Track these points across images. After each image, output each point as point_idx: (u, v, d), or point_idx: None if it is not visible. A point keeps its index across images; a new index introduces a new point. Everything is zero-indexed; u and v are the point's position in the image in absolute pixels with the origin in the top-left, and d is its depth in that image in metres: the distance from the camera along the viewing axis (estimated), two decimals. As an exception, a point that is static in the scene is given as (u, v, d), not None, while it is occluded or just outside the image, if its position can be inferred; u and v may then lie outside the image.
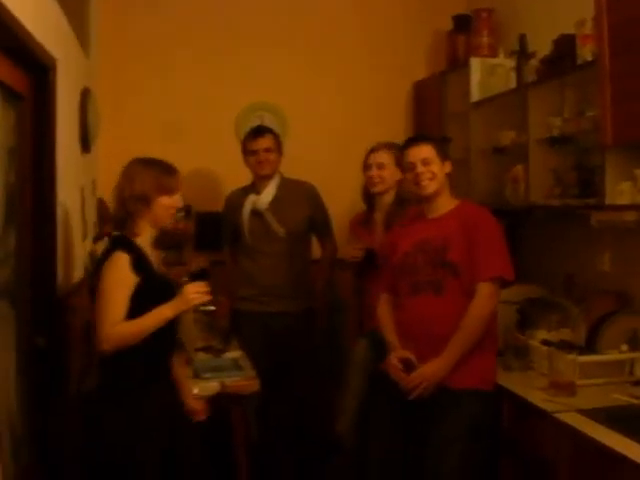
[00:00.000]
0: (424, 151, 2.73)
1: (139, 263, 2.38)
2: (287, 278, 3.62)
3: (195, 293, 2.40)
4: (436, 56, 4.57)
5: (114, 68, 4.28)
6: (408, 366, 2.66)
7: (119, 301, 2.33)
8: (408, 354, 2.67)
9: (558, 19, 3.40)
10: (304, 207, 3.69)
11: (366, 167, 3.33)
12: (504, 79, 3.67)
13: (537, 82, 3.31)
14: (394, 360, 2.70)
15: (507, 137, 3.58)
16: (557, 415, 2.44)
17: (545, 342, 2.95)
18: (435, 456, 2.57)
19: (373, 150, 3.35)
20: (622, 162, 2.77)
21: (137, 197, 2.40)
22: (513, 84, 3.56)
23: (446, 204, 2.77)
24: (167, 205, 2.45)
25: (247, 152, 3.70)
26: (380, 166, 3.28)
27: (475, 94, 3.87)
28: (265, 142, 3.67)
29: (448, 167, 2.76)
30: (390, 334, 2.78)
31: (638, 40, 2.50)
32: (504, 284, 2.69)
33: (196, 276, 2.51)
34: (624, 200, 2.74)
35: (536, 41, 3.50)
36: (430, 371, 2.60)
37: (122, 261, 2.34)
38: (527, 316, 3.20)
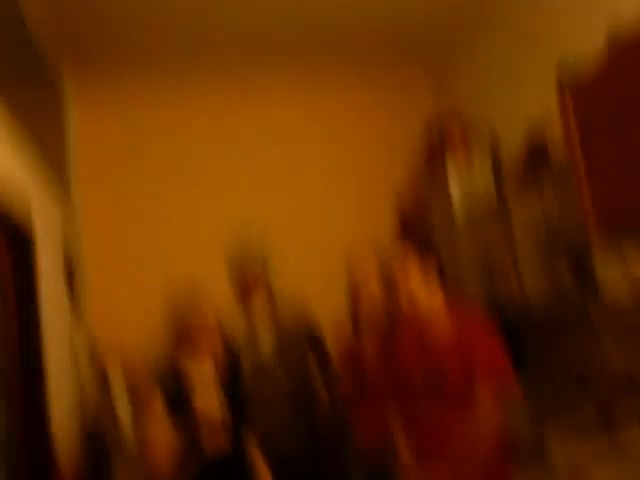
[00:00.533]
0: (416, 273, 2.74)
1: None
2: None
3: None
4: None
5: (96, 219, 4.34)
6: None
7: None
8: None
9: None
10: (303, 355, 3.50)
11: (349, 275, 3.16)
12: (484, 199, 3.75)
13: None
14: None
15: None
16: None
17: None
18: None
19: (358, 256, 3.18)
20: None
21: None
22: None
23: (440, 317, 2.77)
24: None
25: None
26: (367, 277, 3.14)
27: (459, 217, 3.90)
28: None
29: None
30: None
31: (608, 134, 2.57)
32: None
33: None
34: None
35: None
36: None
37: None
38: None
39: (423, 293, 2.66)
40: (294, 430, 3.29)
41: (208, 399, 2.52)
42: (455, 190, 3.94)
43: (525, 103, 3.69)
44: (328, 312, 3.62)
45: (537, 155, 3.21)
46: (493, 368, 2.52)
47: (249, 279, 3.42)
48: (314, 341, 3.47)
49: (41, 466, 2.56)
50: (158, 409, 2.38)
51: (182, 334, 2.58)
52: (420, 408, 2.63)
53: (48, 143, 3.36)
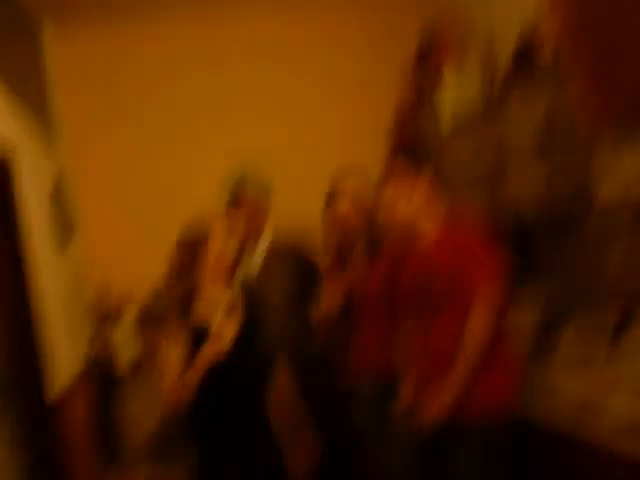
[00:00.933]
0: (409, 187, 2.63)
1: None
2: None
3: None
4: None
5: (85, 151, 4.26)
6: None
7: None
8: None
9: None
10: (293, 275, 3.46)
11: (330, 197, 3.10)
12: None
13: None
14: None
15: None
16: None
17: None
18: None
19: (341, 177, 3.11)
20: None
21: None
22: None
23: (432, 231, 2.67)
24: None
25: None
26: (348, 197, 3.08)
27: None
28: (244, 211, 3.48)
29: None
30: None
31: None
32: None
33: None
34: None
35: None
36: None
37: None
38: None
39: (404, 202, 2.58)
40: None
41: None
42: (447, 94, 3.76)
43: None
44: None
45: (528, 53, 3.03)
46: (487, 275, 2.47)
47: (244, 202, 3.42)
48: (305, 266, 3.46)
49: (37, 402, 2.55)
50: (172, 331, 2.40)
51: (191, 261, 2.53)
52: (415, 319, 2.62)
53: (29, 83, 3.30)
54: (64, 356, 3.10)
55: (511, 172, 3.31)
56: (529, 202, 3.17)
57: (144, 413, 3.54)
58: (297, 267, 3.48)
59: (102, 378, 3.58)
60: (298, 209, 3.93)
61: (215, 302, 2.47)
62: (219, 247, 2.51)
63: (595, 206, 2.79)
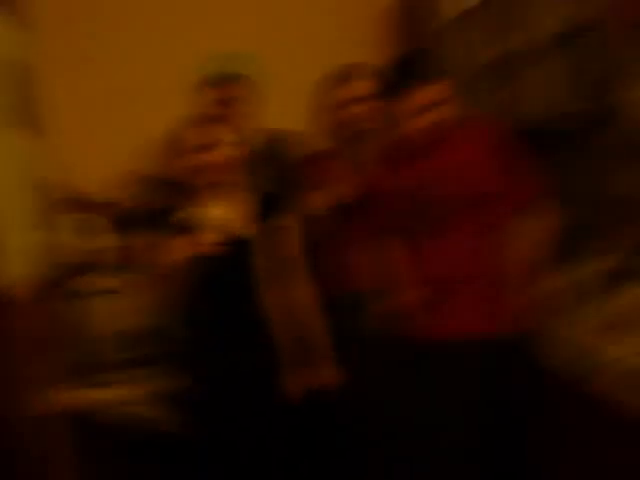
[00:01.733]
0: (435, 91, 2.26)
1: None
2: None
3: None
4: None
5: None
6: None
7: None
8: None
9: None
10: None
11: (339, 104, 2.63)
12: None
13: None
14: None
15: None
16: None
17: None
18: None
19: (347, 78, 2.65)
20: None
21: None
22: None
23: (453, 127, 2.33)
24: None
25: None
26: (357, 100, 2.62)
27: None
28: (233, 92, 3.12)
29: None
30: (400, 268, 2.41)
31: None
32: None
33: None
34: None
35: None
36: None
37: None
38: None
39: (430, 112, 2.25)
40: None
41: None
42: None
43: None
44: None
45: None
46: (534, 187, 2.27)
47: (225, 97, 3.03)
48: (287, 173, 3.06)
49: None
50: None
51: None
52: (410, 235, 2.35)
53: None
54: (15, 245, 2.77)
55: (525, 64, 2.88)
56: (543, 102, 2.76)
57: (116, 316, 3.22)
58: (279, 174, 3.04)
59: (66, 277, 3.22)
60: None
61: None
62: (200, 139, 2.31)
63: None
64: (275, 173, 3.02)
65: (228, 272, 2.29)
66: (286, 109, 3.51)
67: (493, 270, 2.26)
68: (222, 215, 2.31)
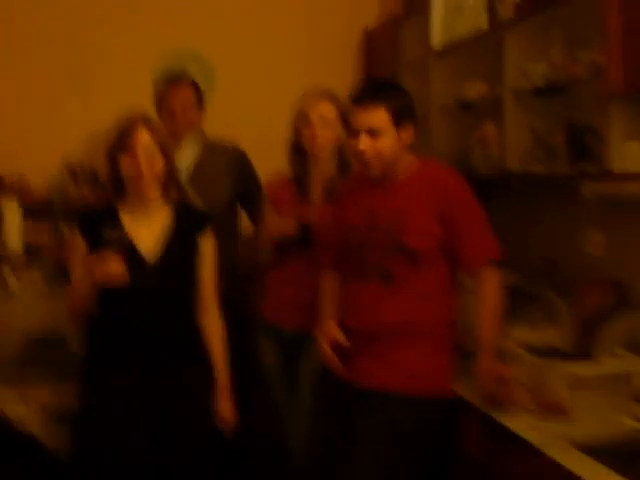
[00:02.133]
0: (373, 118, 2.06)
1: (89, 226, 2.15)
2: None
3: (96, 267, 2.00)
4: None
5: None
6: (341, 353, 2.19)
7: (72, 269, 2.18)
8: (340, 335, 2.19)
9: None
10: (231, 176, 2.96)
11: (303, 120, 2.55)
12: (472, 20, 3.00)
13: (515, 20, 2.64)
14: (326, 344, 2.22)
15: (475, 89, 2.94)
16: (546, 449, 1.83)
17: (528, 347, 2.33)
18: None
19: (314, 99, 2.59)
20: (629, 118, 2.16)
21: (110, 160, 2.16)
22: (484, 25, 2.89)
23: (403, 169, 2.14)
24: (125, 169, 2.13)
25: (161, 105, 2.97)
26: (325, 122, 2.53)
27: (437, 40, 3.20)
28: (183, 93, 2.94)
29: (408, 135, 2.12)
30: (327, 304, 2.32)
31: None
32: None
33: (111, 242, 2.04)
34: (631, 166, 2.13)
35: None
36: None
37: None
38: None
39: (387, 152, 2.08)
40: None
41: None
42: (437, 19, 3.18)
43: None
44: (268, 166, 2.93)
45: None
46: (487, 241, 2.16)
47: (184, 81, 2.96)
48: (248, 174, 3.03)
49: None
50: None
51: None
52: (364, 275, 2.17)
53: None
54: None
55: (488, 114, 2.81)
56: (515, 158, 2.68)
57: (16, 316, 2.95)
58: (239, 172, 2.98)
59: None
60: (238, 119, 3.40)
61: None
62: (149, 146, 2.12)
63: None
64: (234, 187, 2.94)
65: (134, 297, 2.11)
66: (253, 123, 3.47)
67: (420, 327, 2.11)
68: (142, 233, 2.12)
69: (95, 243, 2.06)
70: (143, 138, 2.09)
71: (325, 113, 2.53)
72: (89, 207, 2.30)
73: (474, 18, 2.98)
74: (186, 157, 2.91)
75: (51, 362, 2.78)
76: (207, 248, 2.25)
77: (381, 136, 2.05)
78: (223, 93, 3.22)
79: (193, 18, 3.70)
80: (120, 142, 2.10)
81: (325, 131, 2.52)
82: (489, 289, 2.13)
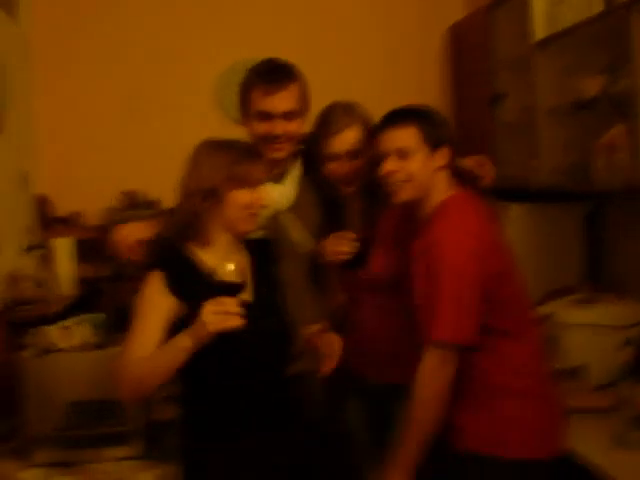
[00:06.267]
0: (401, 137, 1.87)
1: (180, 282, 1.80)
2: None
3: (214, 314, 1.63)
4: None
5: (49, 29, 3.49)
6: None
7: (139, 333, 1.77)
8: None
9: None
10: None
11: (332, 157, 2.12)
12: (583, 4, 2.52)
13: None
14: None
15: (595, 85, 2.44)
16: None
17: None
18: None
19: (338, 130, 2.12)
20: None
21: (205, 192, 1.81)
22: (599, 7, 2.40)
23: (433, 201, 1.91)
24: (243, 203, 1.82)
25: (254, 114, 2.19)
26: (351, 155, 2.10)
27: (540, 30, 2.73)
28: (288, 98, 2.17)
29: (442, 158, 1.88)
30: None
31: None
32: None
33: (221, 289, 1.68)
34: None
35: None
36: None
37: (153, 280, 1.80)
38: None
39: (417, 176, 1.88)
40: None
41: None
42: (539, 6, 2.71)
43: None
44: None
45: None
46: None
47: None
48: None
49: None
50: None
51: None
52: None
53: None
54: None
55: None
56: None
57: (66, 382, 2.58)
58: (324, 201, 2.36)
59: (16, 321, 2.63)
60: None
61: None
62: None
63: None
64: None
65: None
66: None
67: None
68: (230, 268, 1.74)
69: (191, 299, 1.74)
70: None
71: (352, 141, 2.12)
72: (160, 250, 1.90)
73: (585, 3, 2.52)
74: (289, 185, 2.31)
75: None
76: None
77: (411, 157, 1.86)
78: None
79: (254, 44, 3.42)
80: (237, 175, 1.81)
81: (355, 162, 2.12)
82: (418, 375, 1.80)
